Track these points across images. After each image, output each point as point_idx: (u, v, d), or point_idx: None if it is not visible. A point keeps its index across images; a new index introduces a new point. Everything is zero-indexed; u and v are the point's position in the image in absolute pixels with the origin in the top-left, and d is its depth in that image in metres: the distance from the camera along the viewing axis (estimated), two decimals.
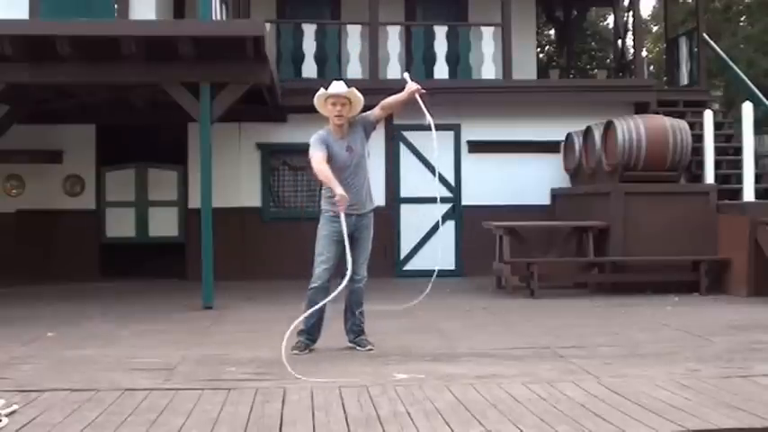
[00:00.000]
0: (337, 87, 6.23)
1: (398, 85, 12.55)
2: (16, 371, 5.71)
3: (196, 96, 9.23)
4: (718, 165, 11.69)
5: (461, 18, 14.21)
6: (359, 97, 6.28)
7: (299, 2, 14.23)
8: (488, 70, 12.96)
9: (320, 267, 6.21)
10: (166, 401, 4.79)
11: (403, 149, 12.83)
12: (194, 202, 11.22)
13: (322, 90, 6.26)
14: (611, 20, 22.11)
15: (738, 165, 11.35)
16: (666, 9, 16.43)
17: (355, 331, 6.39)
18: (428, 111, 6.34)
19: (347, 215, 6.11)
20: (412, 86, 6.37)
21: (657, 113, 12.09)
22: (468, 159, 12.92)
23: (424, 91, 6.39)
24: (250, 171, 12.62)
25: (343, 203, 5.90)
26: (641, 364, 5.83)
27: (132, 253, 12.83)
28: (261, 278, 11.65)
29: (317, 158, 6.07)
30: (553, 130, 12.71)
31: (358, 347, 6.30)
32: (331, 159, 6.14)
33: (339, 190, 5.89)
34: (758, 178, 11.43)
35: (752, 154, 10.99)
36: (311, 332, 6.32)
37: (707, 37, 13.80)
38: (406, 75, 6.62)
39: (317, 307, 6.07)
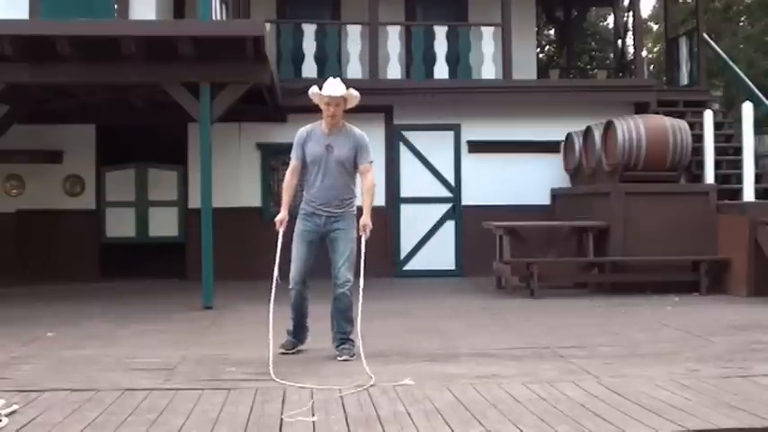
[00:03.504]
0: (333, 88, 6.12)
1: (398, 85, 12.72)
2: (16, 371, 5.71)
3: (196, 96, 9.23)
4: (718, 165, 11.68)
5: (461, 18, 14.21)
6: (355, 95, 6.25)
7: (299, 2, 14.23)
8: (488, 70, 12.96)
9: (292, 269, 6.19)
10: (166, 401, 4.79)
11: (403, 149, 12.83)
12: (194, 202, 11.22)
13: (316, 89, 6.21)
14: (611, 20, 22.12)
15: (738, 165, 11.35)
16: (666, 9, 16.43)
17: (338, 339, 6.25)
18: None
19: (316, 215, 6.15)
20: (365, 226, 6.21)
21: (657, 113, 12.09)
22: (468, 159, 12.92)
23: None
24: (250, 171, 12.62)
25: (279, 225, 6.14)
26: (641, 364, 5.83)
27: (132, 253, 12.83)
28: (261, 278, 11.59)
29: (288, 170, 6.33)
30: (553, 130, 12.71)
31: (337, 357, 6.11)
32: (305, 155, 6.21)
33: (282, 214, 6.16)
34: (758, 178, 11.42)
35: (752, 154, 10.99)
36: (296, 334, 6.34)
37: (707, 37, 13.79)
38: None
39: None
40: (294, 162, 6.28)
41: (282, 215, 6.19)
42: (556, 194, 12.63)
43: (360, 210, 6.23)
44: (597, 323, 7.92)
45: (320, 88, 6.17)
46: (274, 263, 6.13)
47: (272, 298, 6.04)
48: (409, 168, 12.81)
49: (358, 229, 6.20)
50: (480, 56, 12.99)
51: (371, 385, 5.17)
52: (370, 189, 6.25)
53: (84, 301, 9.77)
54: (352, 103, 6.29)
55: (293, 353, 6.25)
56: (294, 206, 6.32)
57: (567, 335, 7.14)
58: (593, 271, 10.74)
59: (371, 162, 6.30)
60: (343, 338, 6.23)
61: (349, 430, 4.21)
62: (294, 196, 6.33)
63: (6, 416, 4.44)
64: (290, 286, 6.21)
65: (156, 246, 12.83)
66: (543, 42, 24.52)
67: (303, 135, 6.27)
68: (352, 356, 6.09)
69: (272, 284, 6.09)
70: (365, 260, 6.30)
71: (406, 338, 6.93)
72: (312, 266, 6.25)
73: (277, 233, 6.18)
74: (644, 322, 7.91)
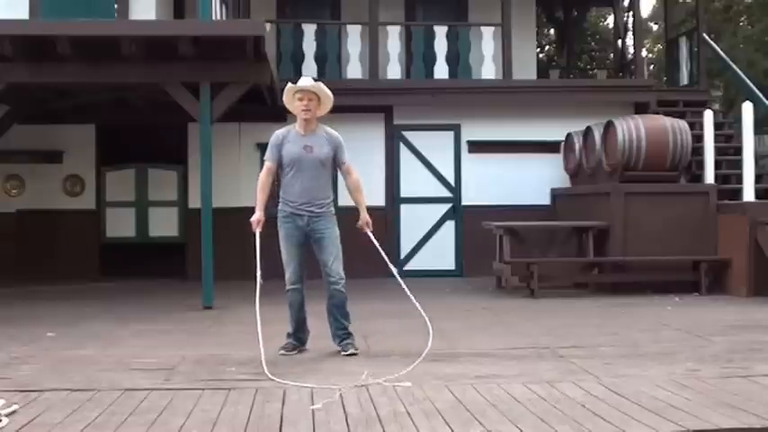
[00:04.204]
0: (304, 81, 6.25)
1: (398, 85, 12.71)
2: (16, 371, 5.71)
3: (196, 96, 9.23)
4: (718, 165, 11.68)
5: (461, 18, 14.21)
6: (327, 93, 6.24)
7: (299, 2, 14.24)
8: (488, 70, 12.96)
9: (287, 270, 6.21)
10: (166, 401, 4.79)
11: (403, 149, 12.84)
12: (194, 202, 11.21)
13: (289, 84, 6.28)
14: (611, 20, 22.12)
15: (738, 165, 11.34)
16: (666, 9, 16.43)
17: (339, 335, 6.28)
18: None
19: (298, 215, 6.15)
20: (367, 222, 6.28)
21: (657, 113, 12.09)
22: (468, 159, 12.92)
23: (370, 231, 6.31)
24: (250, 171, 12.54)
25: (256, 225, 6.17)
26: (641, 364, 5.83)
27: (132, 253, 12.83)
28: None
29: (262, 171, 6.31)
30: (553, 130, 12.70)
31: (342, 352, 6.18)
32: (281, 157, 6.20)
33: (257, 215, 6.19)
34: (758, 178, 11.41)
35: (752, 154, 10.99)
36: (296, 335, 6.33)
37: (707, 37, 13.79)
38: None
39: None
40: (269, 164, 6.28)
41: (258, 216, 6.22)
42: (556, 194, 12.63)
43: (342, 210, 6.27)
44: (597, 323, 7.92)
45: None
46: (255, 265, 6.13)
47: (258, 300, 6.02)
48: (409, 168, 12.81)
49: (360, 227, 6.26)
50: (480, 56, 12.99)
51: (377, 382, 5.18)
52: (359, 186, 6.34)
53: (85, 301, 9.77)
54: (326, 104, 6.27)
55: (295, 354, 6.23)
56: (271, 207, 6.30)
57: (567, 335, 7.14)
58: (593, 271, 10.74)
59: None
60: (344, 333, 6.26)
61: (349, 430, 4.21)
62: (270, 197, 6.32)
63: (6, 416, 4.44)
64: (288, 287, 6.20)
65: (156, 246, 12.83)
66: (543, 42, 24.51)
67: (279, 137, 6.27)
68: (357, 350, 6.15)
69: (255, 286, 6.09)
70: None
71: (406, 338, 6.91)
72: (306, 265, 6.25)
73: (254, 234, 6.21)
74: (644, 322, 7.91)
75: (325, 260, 6.16)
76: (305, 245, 6.23)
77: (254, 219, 6.22)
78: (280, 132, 6.31)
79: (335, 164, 6.29)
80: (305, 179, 6.16)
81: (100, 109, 12.21)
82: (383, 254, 6.24)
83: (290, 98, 6.27)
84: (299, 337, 6.35)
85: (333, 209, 6.29)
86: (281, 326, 6.41)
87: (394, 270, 6.22)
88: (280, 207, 6.28)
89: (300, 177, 6.16)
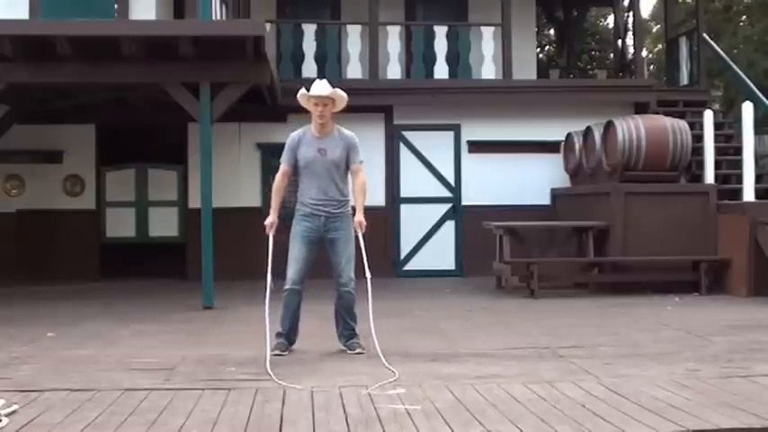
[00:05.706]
0: (320, 88, 6.23)
1: (398, 85, 12.71)
2: (16, 371, 5.71)
3: (196, 96, 9.23)
4: (718, 165, 11.67)
5: (461, 18, 14.21)
6: (342, 96, 6.28)
7: (299, 2, 14.24)
8: (488, 70, 12.96)
9: (291, 269, 6.18)
10: (166, 401, 4.79)
11: (403, 149, 12.84)
12: (194, 202, 11.21)
13: (303, 90, 6.29)
14: (611, 20, 22.11)
15: (738, 165, 11.34)
16: (666, 9, 16.42)
17: (346, 335, 6.34)
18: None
19: (315, 215, 6.17)
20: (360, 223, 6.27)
21: (657, 113, 12.09)
22: (468, 159, 12.92)
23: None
24: (250, 171, 12.61)
25: (269, 228, 6.16)
26: (641, 364, 5.83)
27: (132, 253, 12.82)
28: (261, 278, 11.58)
29: (278, 174, 6.35)
30: (553, 130, 12.70)
31: (348, 351, 6.25)
32: (297, 160, 6.25)
33: (271, 218, 6.20)
34: (758, 178, 11.40)
35: (752, 154, 10.99)
36: (288, 335, 6.32)
37: (707, 37, 13.79)
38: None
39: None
40: (285, 167, 6.32)
41: (272, 219, 6.23)
42: (556, 194, 12.63)
43: (353, 209, 6.29)
44: (597, 323, 7.93)
45: (308, 90, 6.25)
46: (267, 268, 6.10)
47: (267, 303, 6.03)
48: (409, 168, 12.81)
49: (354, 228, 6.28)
50: (480, 56, 12.99)
51: (395, 379, 5.22)
52: (363, 188, 6.34)
53: (85, 301, 9.77)
54: (340, 105, 6.31)
55: (286, 354, 6.22)
56: (283, 210, 6.31)
57: (566, 335, 7.14)
58: (593, 271, 10.74)
59: (361, 162, 6.37)
60: (351, 333, 6.32)
61: (349, 430, 4.21)
62: (283, 200, 6.33)
63: (6, 416, 4.44)
64: (288, 286, 6.18)
65: (156, 246, 12.82)
66: (543, 42, 24.50)
67: (295, 140, 6.30)
68: (363, 349, 6.21)
69: (265, 289, 6.06)
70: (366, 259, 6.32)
71: (407, 338, 6.93)
72: (312, 267, 6.25)
73: (267, 237, 6.19)
74: (644, 322, 7.91)
75: (337, 262, 6.19)
76: (317, 246, 6.25)
77: (267, 222, 6.23)
78: (295, 135, 6.33)
79: (350, 167, 6.31)
80: (321, 181, 6.20)
81: (100, 109, 12.21)
82: (365, 259, 6.18)
83: (304, 101, 6.31)
84: (289, 337, 6.34)
85: (349, 210, 6.31)
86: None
87: (369, 283, 6.17)
88: (297, 207, 6.31)
89: (316, 179, 6.20)
